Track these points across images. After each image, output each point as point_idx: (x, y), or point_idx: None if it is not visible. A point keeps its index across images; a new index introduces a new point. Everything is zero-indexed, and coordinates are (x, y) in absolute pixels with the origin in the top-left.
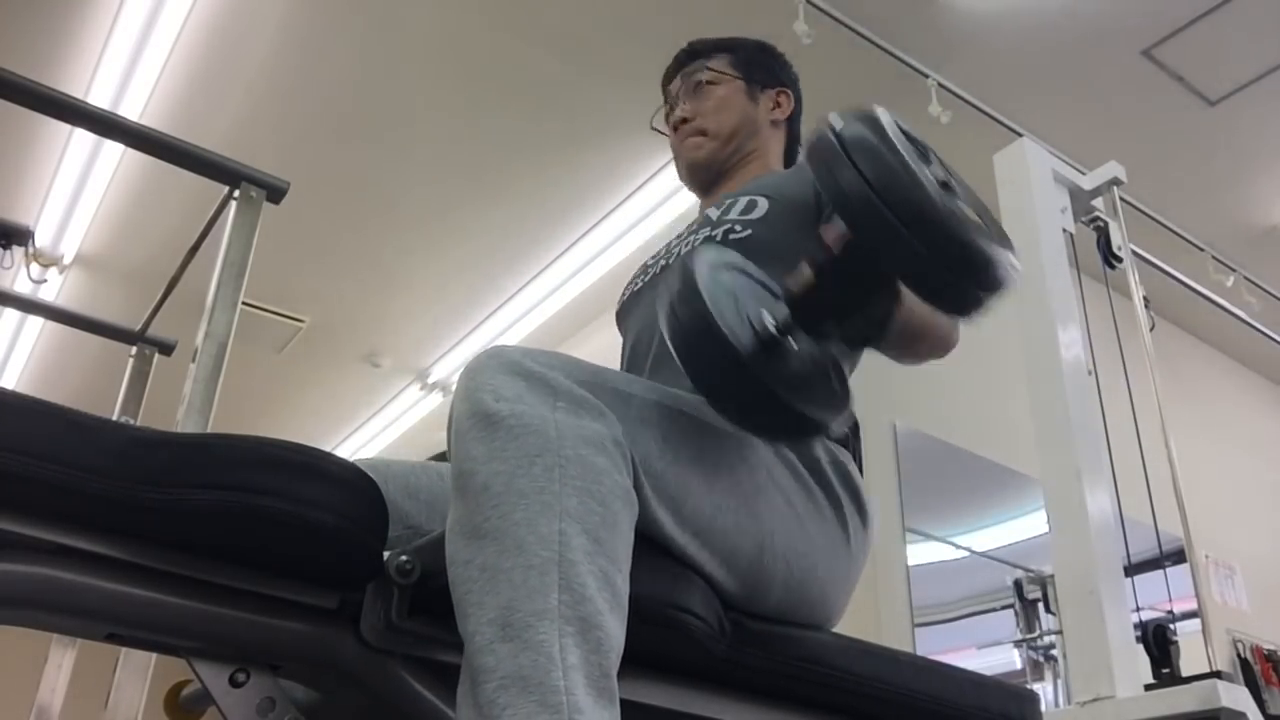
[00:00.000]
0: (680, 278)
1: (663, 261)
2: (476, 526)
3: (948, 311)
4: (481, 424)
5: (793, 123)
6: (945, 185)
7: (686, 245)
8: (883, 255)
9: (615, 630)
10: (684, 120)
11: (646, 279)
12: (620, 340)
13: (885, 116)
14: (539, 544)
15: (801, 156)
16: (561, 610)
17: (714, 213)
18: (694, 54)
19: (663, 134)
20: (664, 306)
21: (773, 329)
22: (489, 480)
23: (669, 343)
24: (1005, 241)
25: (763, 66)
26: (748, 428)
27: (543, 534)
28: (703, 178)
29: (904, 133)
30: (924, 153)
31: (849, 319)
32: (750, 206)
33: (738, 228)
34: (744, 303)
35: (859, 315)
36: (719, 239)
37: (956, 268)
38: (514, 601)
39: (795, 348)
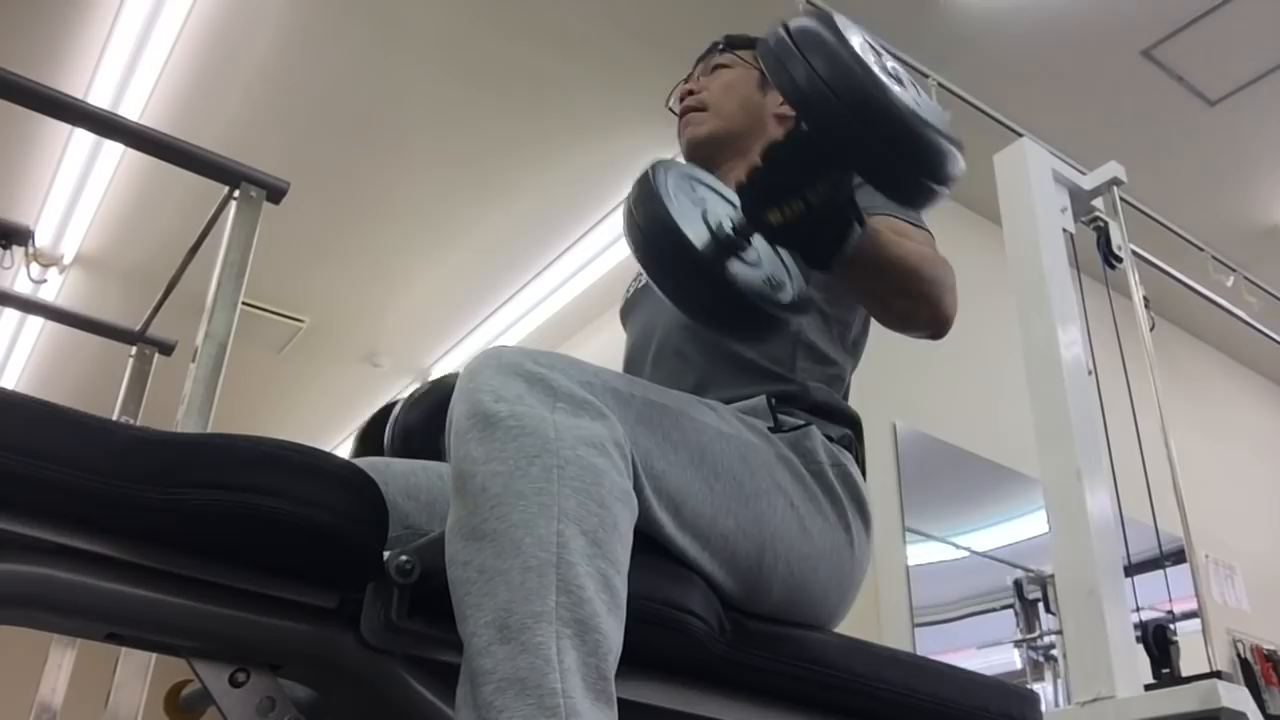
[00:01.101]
0: (638, 184)
1: None
2: (475, 528)
3: (901, 201)
4: (480, 424)
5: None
6: (898, 80)
7: None
8: (834, 146)
9: (613, 632)
10: (690, 93)
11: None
12: (624, 337)
13: (839, 17)
14: (537, 545)
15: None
16: (559, 612)
17: None
18: (722, 46)
19: (674, 113)
20: (624, 213)
21: (730, 230)
22: (487, 481)
23: (630, 246)
24: (955, 139)
25: None
26: (715, 328)
27: (540, 535)
28: (701, 157)
29: (859, 34)
30: (878, 51)
31: (801, 220)
32: None
33: None
34: (700, 204)
35: (811, 217)
36: None
37: (907, 157)
38: (511, 603)
39: (751, 246)
